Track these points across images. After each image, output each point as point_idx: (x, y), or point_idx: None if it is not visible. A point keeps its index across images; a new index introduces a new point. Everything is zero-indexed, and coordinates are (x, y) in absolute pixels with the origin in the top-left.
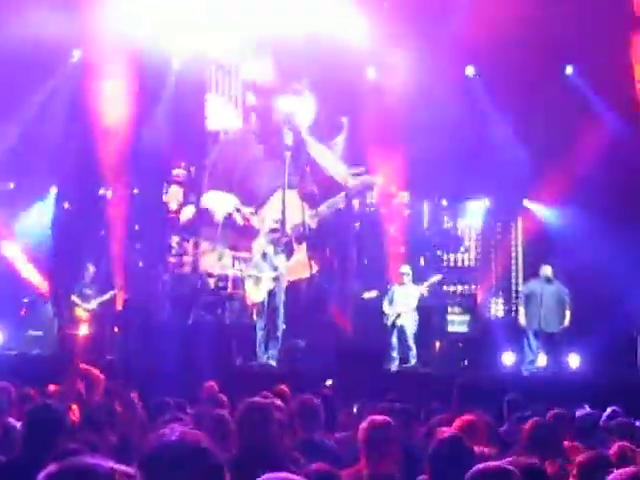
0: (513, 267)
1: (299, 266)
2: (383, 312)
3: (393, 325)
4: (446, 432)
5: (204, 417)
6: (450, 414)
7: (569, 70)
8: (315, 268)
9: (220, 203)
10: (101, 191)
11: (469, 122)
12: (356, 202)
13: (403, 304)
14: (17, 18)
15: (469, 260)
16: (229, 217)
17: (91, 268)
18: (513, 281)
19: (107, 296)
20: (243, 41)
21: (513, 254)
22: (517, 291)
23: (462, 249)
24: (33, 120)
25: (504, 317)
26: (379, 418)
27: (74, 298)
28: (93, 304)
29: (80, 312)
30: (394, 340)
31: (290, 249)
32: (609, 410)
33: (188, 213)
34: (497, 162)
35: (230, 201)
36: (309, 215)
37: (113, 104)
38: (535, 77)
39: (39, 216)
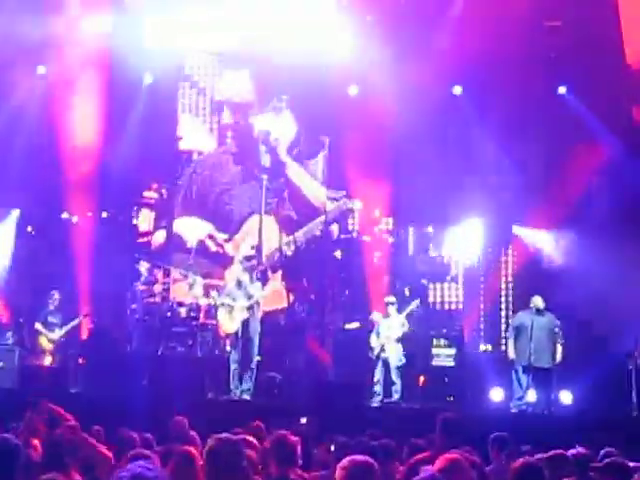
0: (502, 298)
1: (275, 295)
2: (370, 346)
3: (377, 358)
4: (428, 471)
5: (171, 454)
6: (433, 452)
7: (562, 90)
8: (291, 297)
9: (193, 230)
10: (65, 215)
11: (457, 144)
12: (335, 228)
13: (386, 336)
14: None
15: (456, 289)
16: (201, 244)
17: (56, 295)
18: (502, 313)
19: (73, 324)
20: (221, 56)
21: (502, 284)
22: (507, 323)
23: (448, 278)
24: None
25: (492, 351)
26: (360, 458)
27: (38, 326)
28: (58, 333)
29: (44, 341)
30: (377, 374)
31: (265, 277)
32: (603, 452)
33: (159, 238)
34: (486, 186)
35: (203, 228)
36: (285, 242)
37: (81, 122)
38: (527, 97)
39: None
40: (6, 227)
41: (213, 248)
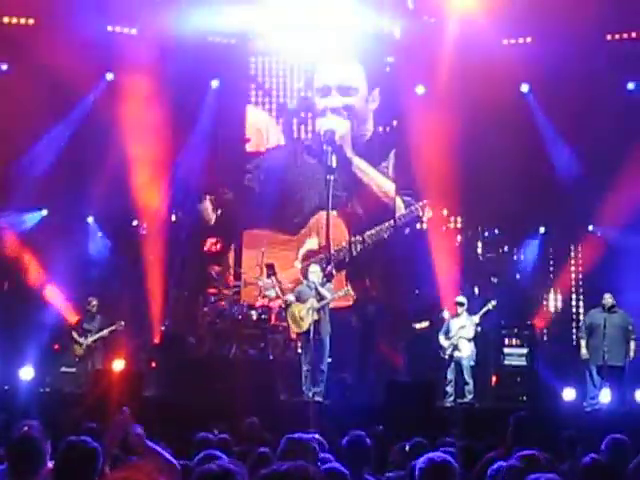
0: (574, 296)
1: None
2: (439, 345)
3: (450, 358)
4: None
5: (247, 455)
6: (504, 450)
7: (631, 86)
8: (357, 298)
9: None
10: (135, 222)
11: (526, 143)
12: (407, 230)
13: (459, 336)
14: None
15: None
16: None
17: (94, 302)
18: (574, 311)
19: (108, 330)
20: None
21: (573, 282)
22: (578, 321)
23: (518, 276)
24: (67, 145)
25: (565, 350)
26: (438, 457)
27: (73, 335)
28: (89, 340)
29: (77, 348)
30: (450, 374)
31: (331, 275)
32: None
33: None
34: (556, 186)
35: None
36: (353, 241)
37: (150, 128)
38: (596, 94)
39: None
40: (83, 234)
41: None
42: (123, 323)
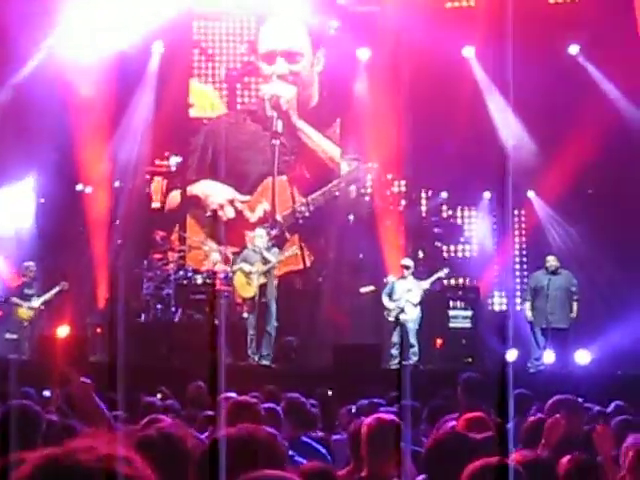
0: (517, 259)
1: (291, 257)
2: (384, 307)
3: (396, 321)
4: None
5: (194, 419)
6: (459, 412)
7: (574, 50)
8: (309, 260)
9: (213, 193)
10: (79, 186)
11: (468, 107)
12: (353, 189)
13: (405, 299)
14: None
15: (470, 252)
16: (220, 209)
17: (31, 267)
18: (517, 273)
19: (52, 292)
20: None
21: (516, 245)
22: (521, 284)
23: (462, 239)
24: (9, 109)
25: (508, 311)
26: (386, 416)
27: (14, 300)
28: (36, 303)
29: (22, 312)
30: (395, 337)
31: (283, 240)
32: (613, 405)
33: (175, 200)
34: (499, 151)
35: (224, 192)
36: (301, 203)
37: (92, 91)
38: (537, 56)
39: (7, 205)
40: (19, 193)
41: (231, 214)
42: (66, 283)
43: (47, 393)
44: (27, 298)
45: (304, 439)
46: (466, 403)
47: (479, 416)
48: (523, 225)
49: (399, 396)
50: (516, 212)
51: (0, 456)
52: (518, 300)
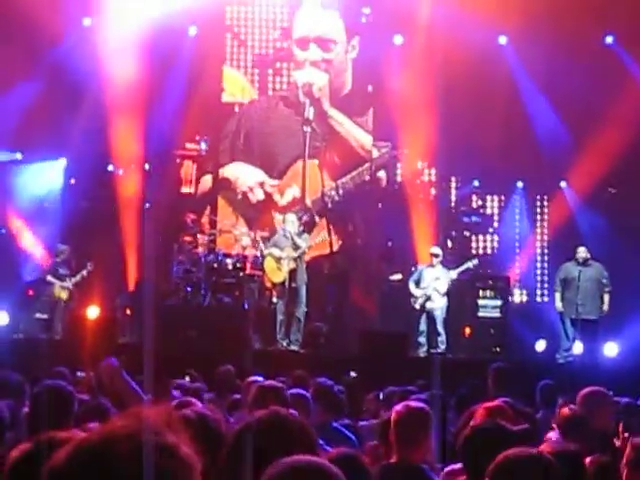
0: (547, 250)
1: (322, 243)
2: (410, 294)
3: (422, 309)
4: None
5: (220, 402)
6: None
7: (609, 40)
8: (337, 244)
9: (244, 175)
10: (110, 168)
11: (505, 96)
12: (383, 175)
13: (432, 287)
14: None
15: (500, 241)
16: (250, 191)
17: (63, 248)
18: (546, 265)
19: (85, 272)
20: None
21: (546, 237)
22: (551, 274)
23: (491, 230)
24: (42, 91)
25: (538, 302)
26: (415, 403)
27: (49, 278)
28: (71, 282)
29: (58, 291)
30: (422, 325)
31: (312, 224)
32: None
33: (206, 184)
34: (533, 140)
35: (254, 174)
36: (331, 187)
37: (125, 72)
38: (574, 47)
39: (41, 186)
40: (51, 174)
41: (260, 196)
42: (92, 264)
43: (80, 374)
44: (62, 278)
45: (334, 425)
46: (495, 392)
47: (499, 405)
48: (554, 215)
49: (426, 384)
50: (547, 202)
51: (32, 434)
52: (546, 291)
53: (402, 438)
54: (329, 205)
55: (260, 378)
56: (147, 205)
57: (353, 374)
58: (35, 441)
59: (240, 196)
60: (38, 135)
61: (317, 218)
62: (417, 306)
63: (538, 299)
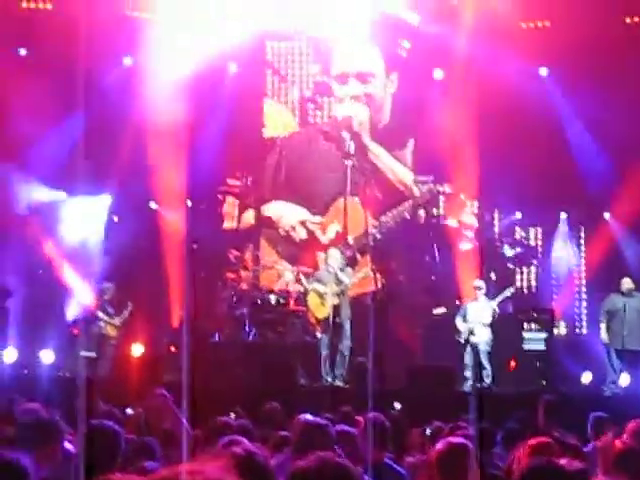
0: (588, 282)
1: (364, 279)
2: (456, 329)
3: (466, 343)
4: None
5: (266, 439)
6: (537, 434)
7: None
8: (380, 282)
9: (287, 214)
10: (153, 205)
11: (543, 128)
12: (422, 213)
13: (476, 321)
14: None
15: (544, 273)
16: (292, 230)
17: (109, 286)
18: (586, 297)
19: (125, 314)
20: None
21: (589, 269)
22: (596, 306)
23: (535, 261)
24: (85, 132)
25: (583, 334)
26: (456, 440)
27: (101, 315)
28: (117, 321)
29: (110, 329)
30: (467, 358)
31: (354, 261)
32: None
33: (248, 219)
34: (575, 171)
35: (297, 212)
36: (373, 225)
37: (168, 110)
38: (616, 79)
39: (85, 223)
40: (94, 212)
41: (303, 235)
42: (131, 304)
43: (129, 411)
44: (110, 316)
45: (387, 461)
46: (545, 425)
47: (544, 441)
48: (597, 246)
49: (473, 419)
50: (590, 233)
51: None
52: (585, 324)
53: (443, 475)
54: (371, 242)
55: (308, 415)
56: (194, 245)
57: (398, 405)
58: None
59: (283, 234)
60: (82, 173)
61: (359, 256)
62: (462, 340)
63: (577, 331)
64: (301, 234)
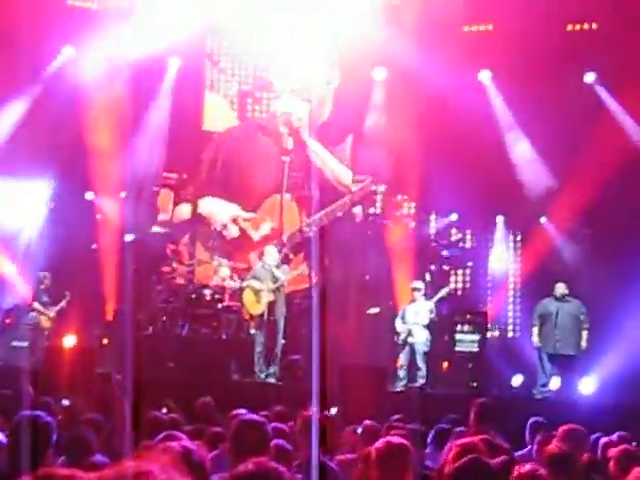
0: (522, 286)
1: (298, 277)
2: (395, 331)
3: (404, 343)
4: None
5: (201, 434)
6: (468, 435)
7: (589, 78)
8: (314, 279)
9: (218, 212)
10: (89, 195)
11: (484, 131)
12: (358, 211)
13: (414, 322)
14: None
15: (479, 276)
16: (224, 228)
17: (45, 276)
18: (519, 300)
19: (63, 304)
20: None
21: (523, 272)
22: (529, 310)
23: (470, 264)
24: (24, 119)
25: (516, 337)
26: (396, 439)
27: (36, 306)
28: (51, 311)
29: (44, 321)
30: (403, 359)
31: (287, 259)
32: (616, 435)
33: (182, 213)
34: (513, 176)
35: (228, 210)
36: (306, 223)
37: (108, 100)
38: (554, 84)
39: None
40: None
41: (235, 233)
42: (69, 293)
43: (66, 402)
44: (45, 306)
45: (320, 458)
46: (477, 427)
47: (472, 442)
48: (532, 250)
49: (405, 418)
50: (525, 237)
51: (12, 465)
52: (518, 327)
53: (383, 474)
54: (304, 240)
55: (243, 411)
56: (131, 237)
57: (334, 410)
58: (35, 477)
59: (216, 231)
60: (18, 161)
61: (291, 255)
62: (400, 341)
63: (510, 334)
64: (232, 232)
